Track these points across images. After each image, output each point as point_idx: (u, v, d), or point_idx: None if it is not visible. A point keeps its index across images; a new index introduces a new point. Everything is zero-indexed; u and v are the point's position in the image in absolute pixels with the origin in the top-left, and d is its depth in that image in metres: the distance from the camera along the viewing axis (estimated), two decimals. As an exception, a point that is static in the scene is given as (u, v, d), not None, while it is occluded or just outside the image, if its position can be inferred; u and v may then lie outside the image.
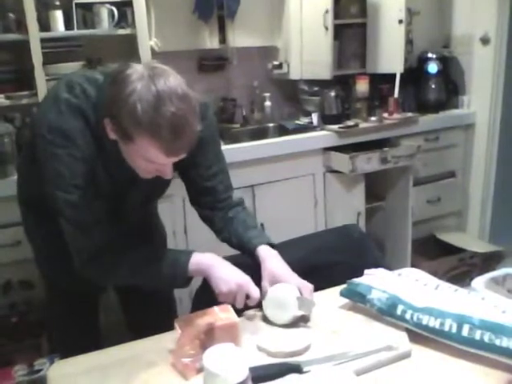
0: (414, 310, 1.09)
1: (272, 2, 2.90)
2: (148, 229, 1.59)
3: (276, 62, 2.97)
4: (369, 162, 2.61)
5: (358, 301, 1.21)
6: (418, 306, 1.10)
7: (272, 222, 2.36)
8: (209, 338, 1.05)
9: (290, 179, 2.61)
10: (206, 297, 1.22)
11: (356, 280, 1.23)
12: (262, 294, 1.22)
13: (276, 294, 1.20)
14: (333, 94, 2.77)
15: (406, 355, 1.05)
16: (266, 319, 1.22)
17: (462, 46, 3.16)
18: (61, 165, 1.17)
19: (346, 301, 1.25)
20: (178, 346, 1.06)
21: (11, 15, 2.17)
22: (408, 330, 1.11)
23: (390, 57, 2.85)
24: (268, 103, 2.99)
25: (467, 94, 3.17)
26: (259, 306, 1.22)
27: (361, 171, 2.63)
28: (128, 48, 2.39)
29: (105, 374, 1.05)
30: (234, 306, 1.17)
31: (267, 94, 2.99)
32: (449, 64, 3.16)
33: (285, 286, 1.21)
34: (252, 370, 0.86)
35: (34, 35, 2.13)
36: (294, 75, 2.95)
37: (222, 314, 1.10)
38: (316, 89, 2.88)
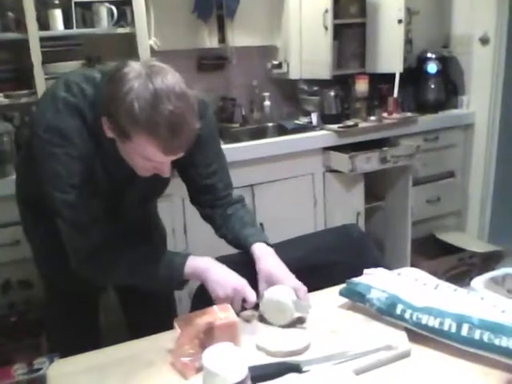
0: (414, 309, 1.09)
1: (271, 1, 2.90)
2: (147, 228, 1.59)
3: (275, 62, 2.97)
4: (368, 162, 2.61)
5: (358, 300, 1.21)
6: (417, 305, 1.10)
7: (271, 222, 2.36)
8: (208, 337, 1.05)
9: (290, 179, 2.61)
10: (206, 296, 1.22)
11: (355, 279, 1.23)
12: (259, 296, 1.22)
13: (273, 296, 1.19)
14: (332, 93, 2.78)
15: (406, 355, 1.05)
16: (263, 319, 1.22)
17: (461, 46, 3.17)
18: (58, 164, 1.17)
19: (345, 300, 1.25)
20: (177, 345, 1.06)
21: (10, 14, 2.17)
22: (407, 330, 1.11)
23: (390, 56, 2.85)
24: (267, 103, 2.99)
25: (466, 93, 3.18)
26: (256, 307, 1.22)
27: (360, 171, 2.63)
28: (127, 47, 2.39)
29: (104, 373, 1.05)
30: None
31: (266, 94, 2.99)
32: (448, 64, 3.16)
33: (281, 289, 1.21)
34: (251, 369, 0.86)
35: (34, 34, 2.13)
36: (294, 75, 2.95)
37: (221, 314, 1.10)
38: (315, 88, 2.88)
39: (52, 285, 1.53)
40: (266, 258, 1.28)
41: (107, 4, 2.32)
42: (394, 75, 2.84)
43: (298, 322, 1.20)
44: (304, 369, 1.00)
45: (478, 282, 1.27)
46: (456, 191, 3.22)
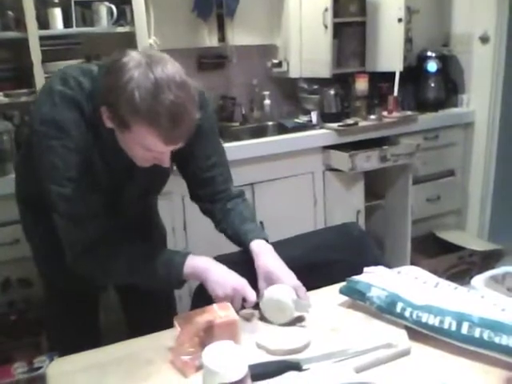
0: (414, 307, 1.09)
1: (271, 0, 2.90)
2: (147, 227, 1.58)
3: (275, 61, 2.97)
4: (368, 161, 2.61)
5: (358, 298, 1.20)
6: (417, 303, 1.10)
7: (271, 220, 2.36)
8: (208, 335, 1.05)
9: (290, 177, 2.61)
10: (206, 294, 1.22)
11: (355, 278, 1.23)
12: (259, 295, 1.21)
13: (273, 295, 1.19)
14: (332, 92, 2.78)
15: (406, 353, 1.05)
16: (263, 318, 1.21)
17: (461, 45, 3.17)
18: (55, 157, 1.16)
19: (345, 298, 1.24)
20: (177, 343, 1.05)
21: (10, 13, 2.17)
22: (407, 328, 1.11)
23: (390, 55, 2.85)
24: (267, 101, 2.99)
25: (466, 92, 3.18)
26: (256, 306, 1.22)
27: (360, 169, 2.63)
28: (127, 46, 2.31)
29: (103, 371, 1.05)
30: None
31: (266, 93, 2.99)
32: (448, 63, 3.16)
33: (281, 288, 1.20)
34: (251, 367, 0.86)
35: (33, 33, 2.13)
36: (294, 73, 2.95)
37: (221, 312, 1.10)
38: (315, 87, 2.88)
39: (51, 284, 1.52)
40: (264, 255, 1.28)
41: (107, 3, 2.32)
42: (394, 74, 2.84)
43: (298, 320, 1.20)
44: (304, 367, 1.00)
45: (478, 280, 1.27)
46: (456, 190, 3.22)
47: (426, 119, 2.98)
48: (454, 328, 1.03)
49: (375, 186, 2.88)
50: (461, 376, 0.97)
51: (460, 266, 2.96)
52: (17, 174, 1.48)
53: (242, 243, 1.33)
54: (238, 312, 1.16)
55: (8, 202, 1.61)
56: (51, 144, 1.15)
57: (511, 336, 0.97)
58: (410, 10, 2.93)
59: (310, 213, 2.71)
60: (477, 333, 1.00)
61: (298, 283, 1.23)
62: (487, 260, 2.99)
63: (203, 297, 1.24)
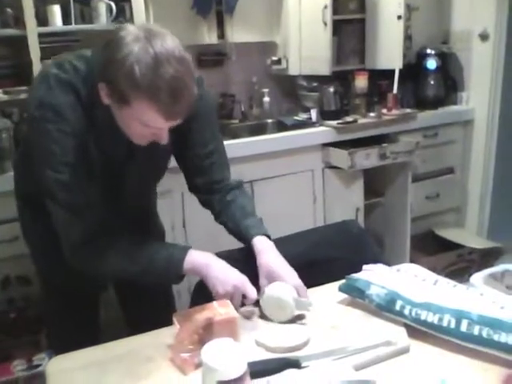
0: (413, 305, 1.09)
1: (271, -3, 2.90)
2: (146, 225, 1.57)
3: (275, 58, 2.97)
4: (367, 158, 2.61)
5: (357, 296, 1.21)
6: (416, 301, 1.10)
7: (271, 218, 2.33)
8: (207, 332, 1.05)
9: (289, 175, 2.61)
10: (205, 292, 1.21)
11: (355, 275, 1.23)
12: (260, 292, 1.21)
13: (273, 293, 1.19)
14: (332, 89, 2.77)
15: (405, 350, 1.05)
16: (263, 316, 1.21)
17: (460, 42, 3.16)
18: (51, 141, 1.13)
19: (344, 296, 1.25)
20: (176, 340, 1.06)
21: (9, 10, 2.16)
22: (407, 326, 1.11)
23: (389, 53, 2.85)
24: (267, 99, 2.98)
25: (466, 90, 3.17)
26: (256, 303, 1.22)
27: (360, 167, 2.63)
28: None
29: (103, 369, 1.05)
30: None
31: (266, 90, 2.98)
32: (448, 60, 3.16)
33: (282, 286, 1.20)
34: (250, 364, 0.86)
35: (32, 30, 2.12)
36: (293, 71, 2.95)
37: (220, 309, 1.10)
38: (315, 84, 2.88)
39: (49, 281, 1.51)
40: (266, 253, 1.27)
41: (106, 0, 2.31)
42: (393, 71, 2.84)
43: (298, 318, 1.20)
44: (303, 364, 1.00)
45: (477, 278, 1.27)
46: (455, 187, 3.22)
47: (426, 117, 2.98)
48: (453, 326, 1.03)
49: (374, 183, 2.88)
50: (460, 373, 0.97)
51: (459, 264, 2.97)
52: (15, 171, 1.47)
53: (243, 238, 1.32)
54: (237, 309, 1.16)
55: (7, 199, 1.60)
56: (47, 128, 1.13)
57: (510, 333, 0.97)
58: (409, 7, 2.93)
59: (310, 210, 2.71)
60: (476, 330, 1.00)
61: (300, 282, 1.23)
62: (486, 258, 2.99)
63: (203, 294, 1.24)
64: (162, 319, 1.17)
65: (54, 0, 2.23)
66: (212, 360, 0.84)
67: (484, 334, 0.99)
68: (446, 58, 3.14)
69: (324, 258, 1.41)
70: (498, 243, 3.01)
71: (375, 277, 1.20)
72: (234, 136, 2.61)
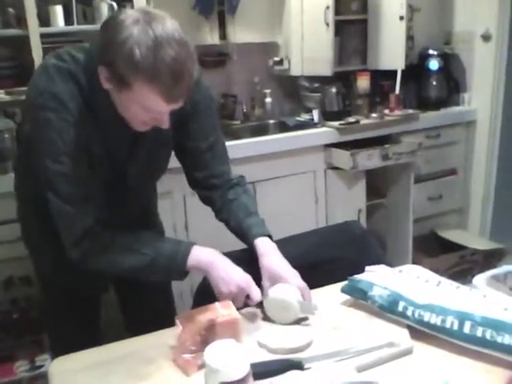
0: (416, 306, 1.09)
1: (273, -3, 2.90)
2: (145, 225, 1.54)
3: (277, 58, 2.97)
4: (370, 159, 2.61)
5: (360, 297, 1.20)
6: (419, 302, 1.09)
7: (273, 219, 2.33)
8: (210, 334, 1.05)
9: (291, 176, 2.61)
10: (208, 292, 1.21)
11: (357, 277, 1.23)
12: (263, 294, 1.20)
13: (277, 295, 1.18)
14: (334, 90, 2.77)
15: (408, 352, 1.04)
16: (266, 317, 1.21)
17: (463, 43, 3.16)
18: (52, 131, 1.12)
19: (347, 297, 1.24)
20: (179, 342, 1.05)
21: (11, 10, 2.17)
22: (409, 327, 1.10)
23: (391, 53, 2.84)
24: (269, 99, 2.98)
25: (468, 90, 3.17)
26: (259, 304, 1.22)
27: (362, 168, 2.62)
28: None
29: (106, 369, 1.05)
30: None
31: (268, 91, 2.98)
32: (450, 61, 3.16)
33: (286, 288, 1.19)
34: (253, 366, 0.86)
35: (34, 30, 2.12)
36: (295, 71, 2.95)
37: (223, 311, 1.10)
38: (317, 85, 2.88)
39: (50, 282, 1.48)
40: (269, 254, 1.26)
41: (108, 0, 2.31)
42: (395, 72, 2.84)
43: (300, 319, 1.19)
44: (306, 366, 1.00)
45: (480, 279, 1.27)
46: (458, 188, 3.21)
47: (428, 117, 2.97)
48: (456, 327, 1.03)
49: (377, 184, 2.88)
50: (463, 375, 0.97)
51: (462, 265, 2.96)
52: (15, 172, 1.46)
53: (245, 237, 1.32)
54: (239, 309, 1.15)
55: (10, 199, 1.60)
56: (48, 117, 1.12)
57: (514, 335, 0.96)
58: (411, 8, 2.93)
59: (312, 211, 2.71)
60: (479, 332, 1.00)
61: (303, 284, 1.22)
62: (489, 259, 2.99)
63: (205, 295, 1.23)
64: (161, 322, 1.17)
65: (56, 0, 2.23)
66: (215, 361, 0.83)
67: (487, 336, 0.99)
68: (448, 59, 3.13)
69: (326, 259, 1.41)
70: (501, 244, 3.00)
71: (378, 278, 1.20)
72: (236, 137, 2.61)
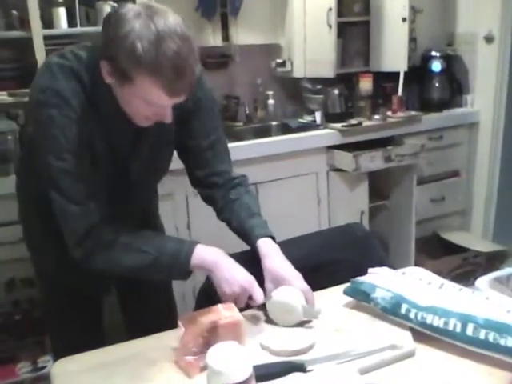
0: (418, 309, 1.09)
1: (275, -1, 2.90)
2: (146, 227, 1.55)
3: (279, 60, 2.97)
4: (372, 161, 2.61)
5: (362, 299, 1.20)
6: (422, 305, 1.09)
7: (275, 220, 2.34)
8: (212, 336, 1.05)
9: (294, 177, 2.61)
10: (210, 295, 1.21)
11: (360, 279, 1.23)
12: (266, 296, 1.20)
13: (281, 298, 1.18)
14: (336, 92, 2.77)
15: (410, 354, 1.04)
16: (268, 319, 1.21)
17: (465, 45, 3.15)
18: (55, 128, 1.12)
19: (349, 299, 1.24)
20: (181, 343, 1.05)
21: (14, 12, 2.18)
22: (412, 329, 1.10)
23: (394, 55, 2.84)
24: (271, 101, 2.99)
25: (471, 92, 3.16)
26: (261, 306, 1.21)
27: (364, 170, 2.62)
28: None
29: (108, 371, 1.05)
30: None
31: (270, 92, 2.98)
32: (452, 62, 3.15)
33: (290, 291, 1.19)
34: (255, 368, 0.86)
35: (37, 32, 2.13)
36: (298, 73, 2.95)
37: (225, 312, 1.10)
38: (319, 87, 2.88)
39: (53, 283, 1.48)
40: (272, 256, 1.25)
41: (111, 2, 2.32)
42: (398, 74, 2.84)
43: (303, 321, 1.19)
44: (308, 368, 1.00)
45: (483, 281, 1.26)
46: (460, 190, 3.21)
47: (431, 119, 2.97)
48: (458, 329, 1.03)
49: (379, 186, 2.88)
50: (465, 378, 0.97)
51: (464, 267, 2.96)
52: (17, 174, 1.46)
53: (248, 238, 1.31)
54: (242, 310, 1.15)
55: (12, 201, 1.60)
56: (51, 113, 1.12)
57: (517, 338, 0.96)
58: (414, 10, 2.92)
59: (314, 213, 2.71)
60: (482, 334, 1.00)
61: (307, 286, 1.21)
62: (492, 261, 2.98)
63: (207, 297, 1.23)
64: (162, 321, 1.17)
65: (60, 2, 2.24)
66: (217, 363, 0.83)
67: (490, 338, 0.99)
68: (450, 61, 3.13)
69: (329, 261, 1.41)
70: (504, 246, 3.00)
71: (380, 280, 1.20)
72: (239, 138, 2.61)
